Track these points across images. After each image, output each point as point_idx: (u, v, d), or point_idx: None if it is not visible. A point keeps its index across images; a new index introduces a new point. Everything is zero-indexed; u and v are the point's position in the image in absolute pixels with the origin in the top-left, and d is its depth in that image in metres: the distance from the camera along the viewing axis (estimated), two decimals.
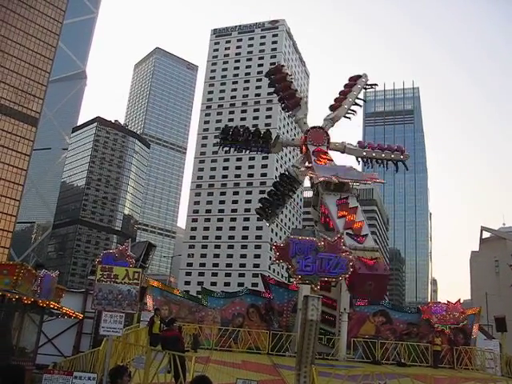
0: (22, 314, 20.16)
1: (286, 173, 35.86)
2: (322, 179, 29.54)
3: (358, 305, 28.54)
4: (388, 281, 26.22)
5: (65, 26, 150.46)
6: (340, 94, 37.91)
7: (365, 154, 35.20)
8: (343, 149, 35.54)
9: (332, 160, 33.58)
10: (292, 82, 38.63)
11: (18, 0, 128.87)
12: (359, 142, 36.65)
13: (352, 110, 37.22)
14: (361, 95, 38.48)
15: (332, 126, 36.06)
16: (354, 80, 38.56)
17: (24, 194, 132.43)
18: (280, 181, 36.08)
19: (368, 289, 23.83)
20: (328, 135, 35.08)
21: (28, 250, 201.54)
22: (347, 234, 25.83)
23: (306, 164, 34.17)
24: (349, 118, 37.10)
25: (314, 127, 35.61)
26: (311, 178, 31.42)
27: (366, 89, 39.87)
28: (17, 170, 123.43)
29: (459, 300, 28.37)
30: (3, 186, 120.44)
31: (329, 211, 29.02)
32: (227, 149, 37.44)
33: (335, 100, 37.58)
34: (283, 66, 41.12)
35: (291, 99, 37.23)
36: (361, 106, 38.77)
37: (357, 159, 36.00)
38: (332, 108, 37.22)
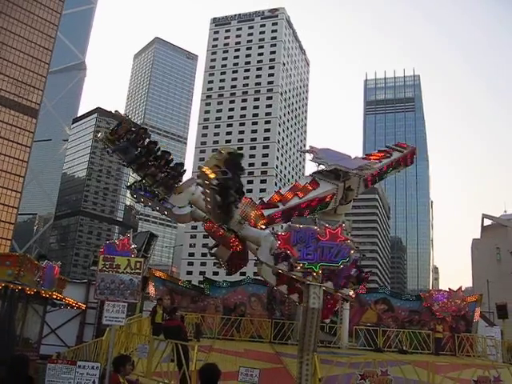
0: (25, 304, 20.26)
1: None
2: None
3: (360, 293, 28.59)
4: None
5: (64, 17, 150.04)
6: None
7: None
8: None
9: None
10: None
11: None
12: None
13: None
14: None
15: None
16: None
17: (25, 185, 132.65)
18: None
19: None
20: None
21: (30, 242, 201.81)
22: None
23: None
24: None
25: None
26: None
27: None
28: (18, 162, 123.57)
29: (461, 287, 28.39)
30: (4, 178, 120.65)
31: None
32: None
33: None
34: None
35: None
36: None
37: None
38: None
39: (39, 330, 22.44)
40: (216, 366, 6.18)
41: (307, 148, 27.98)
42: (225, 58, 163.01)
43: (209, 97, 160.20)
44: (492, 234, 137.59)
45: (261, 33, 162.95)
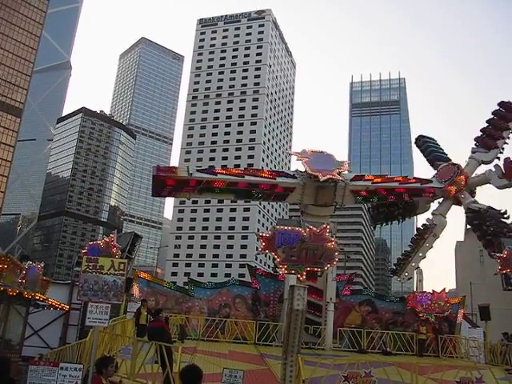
0: (7, 305, 20.06)
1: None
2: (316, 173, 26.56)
3: (344, 294, 28.70)
4: None
5: (49, 16, 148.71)
6: (490, 125, 32.15)
7: None
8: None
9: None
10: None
11: None
12: None
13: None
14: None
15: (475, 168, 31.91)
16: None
17: (9, 185, 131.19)
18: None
19: None
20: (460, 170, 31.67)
21: (13, 242, 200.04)
22: None
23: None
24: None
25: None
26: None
27: None
28: (1, 162, 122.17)
29: (444, 289, 28.59)
30: None
31: None
32: None
33: (486, 134, 31.89)
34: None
35: None
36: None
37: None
38: (484, 145, 31.90)
39: (21, 331, 22.24)
40: (198, 367, 6.10)
41: (298, 151, 28.50)
42: (211, 59, 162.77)
43: (195, 97, 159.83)
44: (476, 236, 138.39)
45: (247, 34, 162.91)
